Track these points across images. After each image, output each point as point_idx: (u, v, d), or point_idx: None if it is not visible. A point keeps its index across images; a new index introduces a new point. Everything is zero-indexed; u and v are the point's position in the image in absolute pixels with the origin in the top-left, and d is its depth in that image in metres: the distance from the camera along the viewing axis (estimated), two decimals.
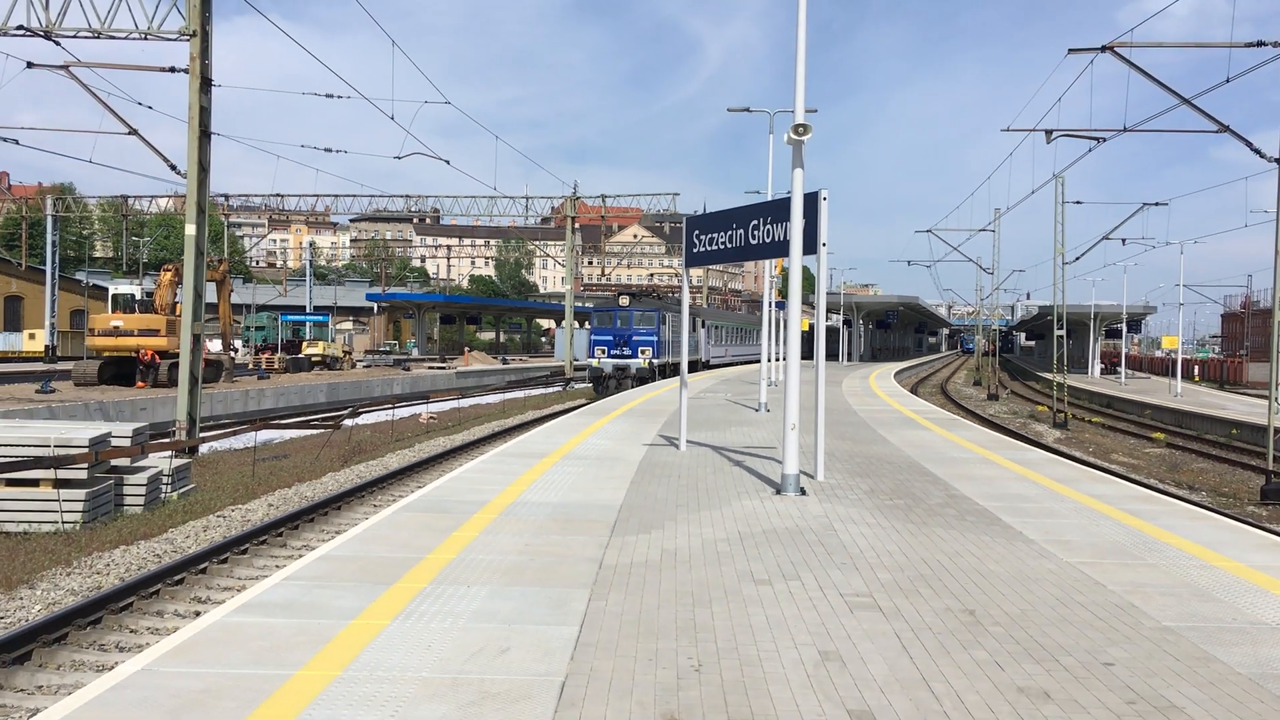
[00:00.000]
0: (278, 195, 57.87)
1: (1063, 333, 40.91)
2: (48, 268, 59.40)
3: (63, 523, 13.10)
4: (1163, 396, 44.14)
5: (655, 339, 39.25)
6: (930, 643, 5.63)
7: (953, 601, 6.49)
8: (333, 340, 60.02)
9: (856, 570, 7.30)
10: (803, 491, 10.62)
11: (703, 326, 49.11)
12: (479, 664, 5.16)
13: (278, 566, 11.91)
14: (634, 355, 38.65)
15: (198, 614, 9.92)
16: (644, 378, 38.02)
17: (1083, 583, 7.05)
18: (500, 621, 5.89)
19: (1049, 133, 24.99)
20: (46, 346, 59.51)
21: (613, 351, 38.71)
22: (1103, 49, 21.55)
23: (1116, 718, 4.59)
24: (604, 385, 38.61)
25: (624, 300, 40.48)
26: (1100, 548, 8.21)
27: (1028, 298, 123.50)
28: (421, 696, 4.71)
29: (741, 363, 58.32)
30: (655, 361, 38.80)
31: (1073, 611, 6.32)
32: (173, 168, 21.01)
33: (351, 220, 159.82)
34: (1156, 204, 43.73)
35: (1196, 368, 77.20)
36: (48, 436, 13.44)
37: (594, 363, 39.21)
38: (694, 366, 45.40)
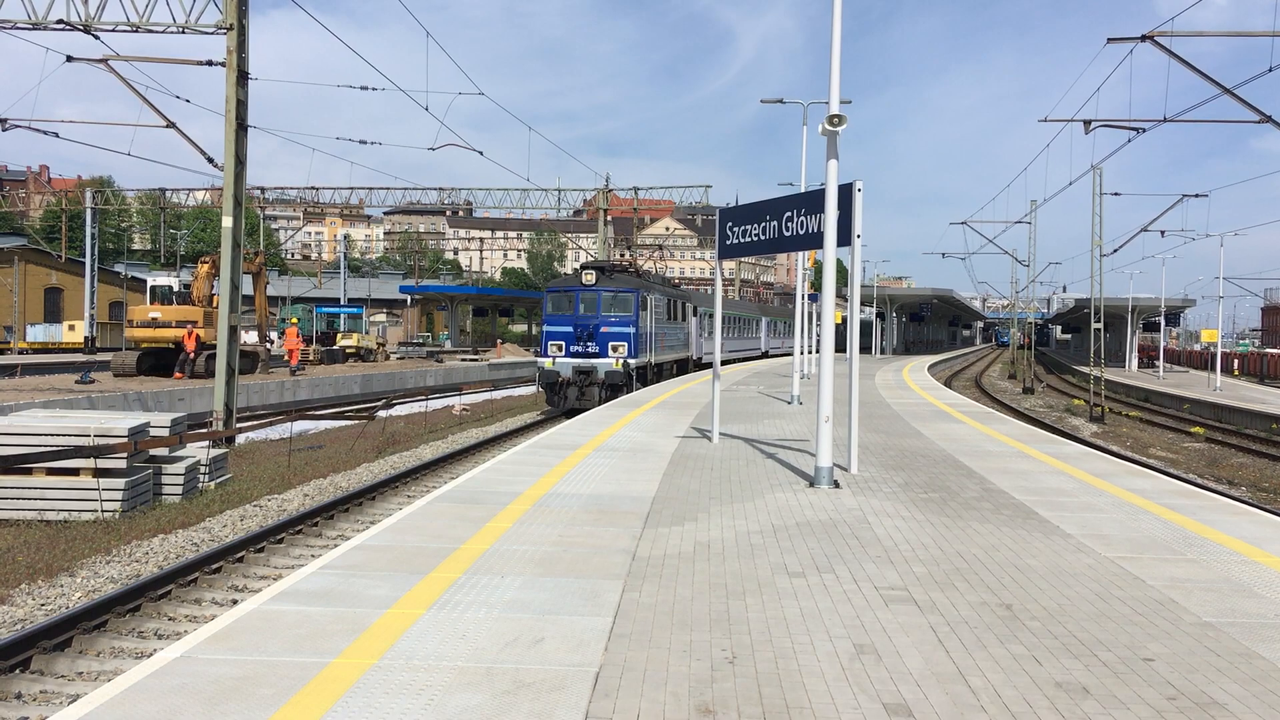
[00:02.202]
0: (313, 188, 58.27)
1: (1100, 326, 40.48)
2: (87, 260, 60.11)
3: (102, 511, 13.27)
4: (1202, 390, 43.57)
5: (632, 330, 28.57)
6: (967, 637, 5.59)
7: (989, 595, 6.44)
8: (366, 332, 60.37)
9: (891, 563, 7.25)
10: (836, 484, 10.56)
11: (694, 315, 40.11)
12: (513, 654, 5.18)
13: (313, 556, 12.01)
14: (602, 353, 28.27)
15: (235, 602, 10.03)
16: (616, 384, 27.87)
17: (1121, 577, 6.97)
18: (534, 612, 5.91)
19: (1087, 123, 24.69)
20: (86, 338, 60.27)
21: (573, 348, 28.33)
22: (1142, 38, 21.25)
23: (1157, 714, 4.54)
24: (560, 395, 28.26)
25: (588, 277, 28.99)
26: (1139, 542, 8.11)
27: (1064, 290, 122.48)
28: (457, 685, 4.73)
29: (740, 358, 50.67)
30: (632, 362, 28.28)
31: (1111, 606, 6.25)
32: (210, 160, 21.20)
33: (385, 213, 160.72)
34: (1196, 195, 43.11)
35: (1236, 361, 76.11)
36: (88, 426, 13.61)
37: (546, 364, 28.25)
38: (682, 367, 37.27)
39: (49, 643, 8.38)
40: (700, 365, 40.97)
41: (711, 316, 42.32)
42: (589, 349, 28.34)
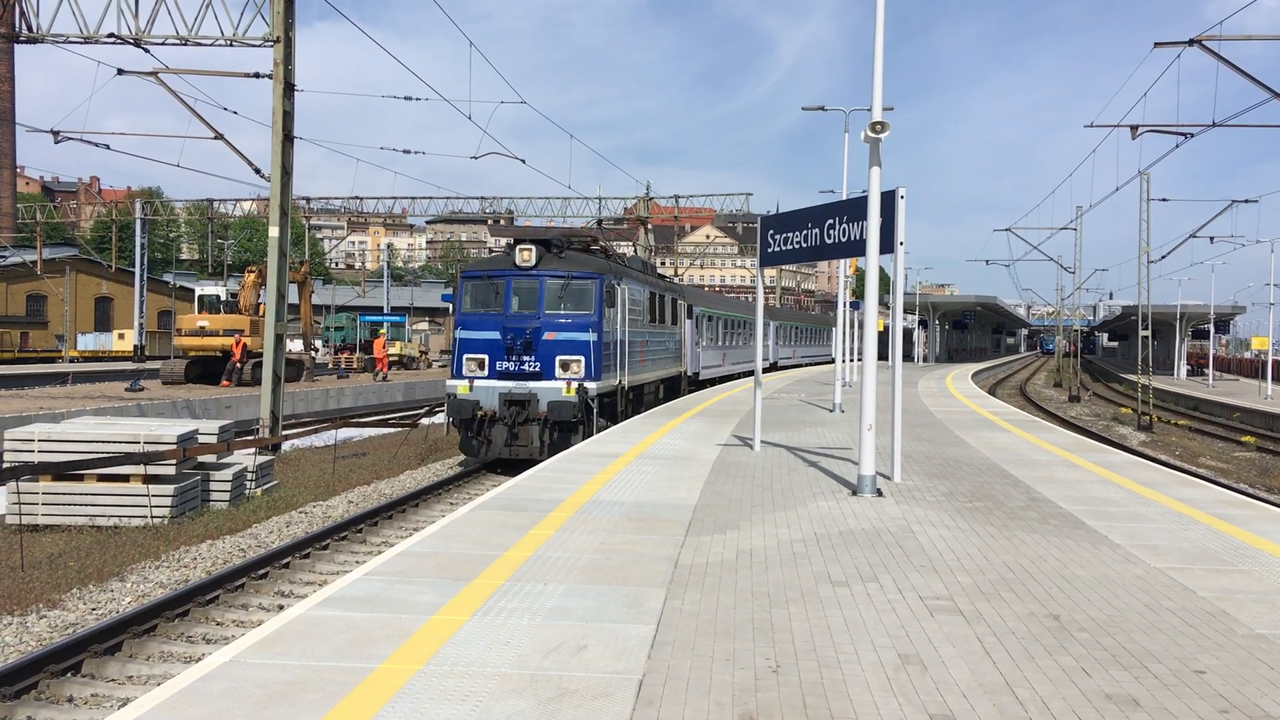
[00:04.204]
0: (356, 198, 58.92)
1: (1147, 333, 39.92)
2: (136, 269, 61.08)
3: (152, 517, 13.47)
4: (1252, 399, 42.81)
5: (592, 338, 19.07)
6: (1014, 647, 5.53)
7: (1036, 606, 6.36)
8: (409, 340, 60.85)
9: (936, 573, 7.19)
10: (879, 493, 10.50)
11: (689, 318, 30.81)
12: (557, 661, 5.19)
13: (358, 562, 12.11)
14: (546, 373, 18.80)
15: (282, 607, 10.13)
16: (567, 423, 18.41)
17: (1171, 588, 6.86)
18: (577, 619, 5.92)
19: (1134, 128, 24.42)
20: (135, 346, 61.22)
21: (500, 365, 18.80)
22: (1190, 42, 21.01)
23: None
24: (482, 439, 18.66)
25: (525, 254, 19.26)
26: (1189, 553, 7.99)
27: (1110, 297, 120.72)
28: (501, 692, 4.75)
29: (742, 373, 39.78)
30: (593, 386, 18.71)
31: (1161, 618, 6.16)
32: (257, 171, 21.48)
33: (428, 222, 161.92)
34: (1246, 201, 42.52)
35: None
36: (138, 433, 13.83)
37: (459, 389, 18.88)
38: (672, 388, 28.17)
39: (100, 646, 8.51)
40: (698, 383, 32.13)
41: (711, 319, 34.59)
42: (525, 367, 18.64)
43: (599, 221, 25.61)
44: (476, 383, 18.78)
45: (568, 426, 18.48)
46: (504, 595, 6.41)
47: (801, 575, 7.07)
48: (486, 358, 18.88)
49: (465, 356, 19.02)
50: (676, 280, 30.94)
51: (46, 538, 12.81)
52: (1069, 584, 6.94)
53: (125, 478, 13.53)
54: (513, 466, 18.91)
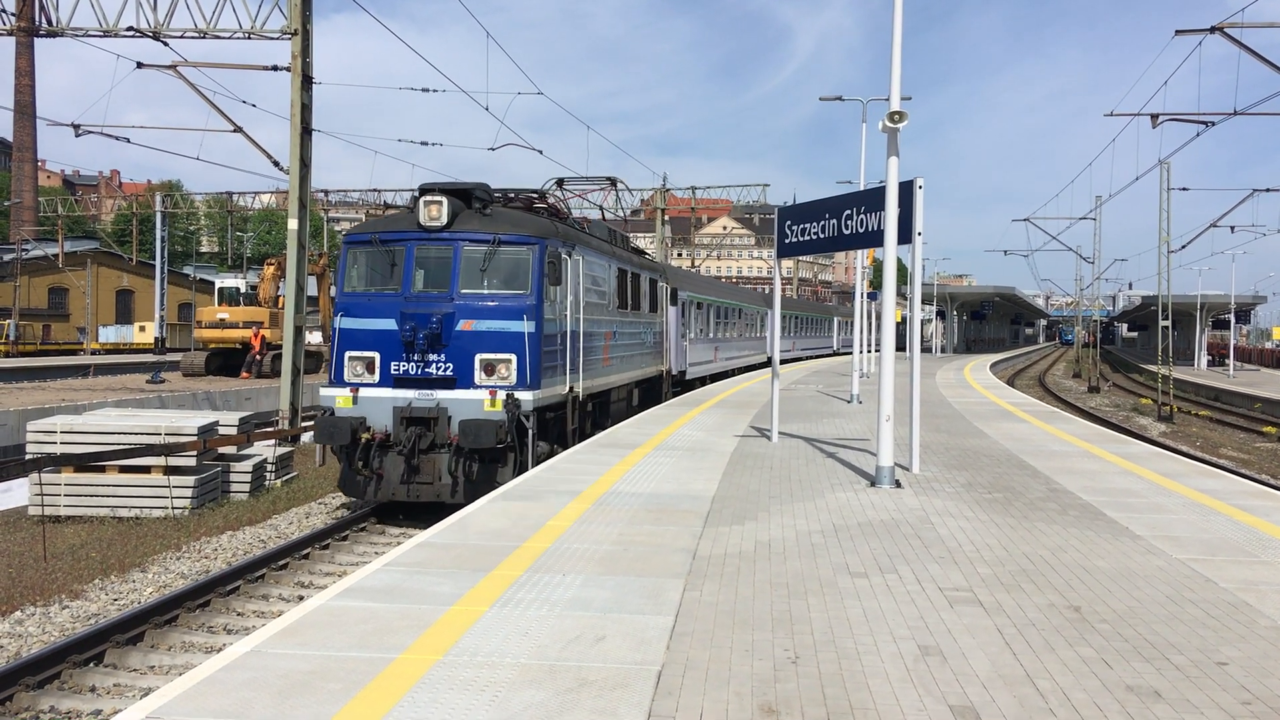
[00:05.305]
0: (375, 190, 58.97)
1: (1167, 323, 39.63)
2: (157, 262, 61.44)
3: (173, 508, 13.57)
4: (1274, 389, 42.46)
5: (528, 328, 13.63)
6: (1034, 639, 5.51)
7: (1056, 597, 6.34)
8: None
9: (955, 564, 7.17)
10: (898, 484, 10.47)
11: (673, 304, 25.64)
12: (576, 651, 5.20)
13: (377, 553, 12.17)
14: (461, 379, 13.46)
15: (302, 598, 10.19)
16: (488, 450, 13.04)
17: (1193, 580, 6.82)
18: (596, 610, 5.93)
19: (1155, 117, 24.23)
20: (156, 339, 61.61)
21: (396, 367, 13.56)
22: (1211, 30, 20.82)
23: (1232, 719, 4.44)
24: (368, 472, 13.28)
25: (433, 210, 13.69)
26: (1211, 544, 7.94)
27: (1130, 287, 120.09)
28: (520, 682, 4.76)
29: (737, 370, 35.56)
30: (529, 397, 13.35)
31: (1183, 609, 6.12)
32: (275, 164, 21.55)
33: None
34: (1267, 190, 42.20)
35: None
36: (159, 425, 13.93)
37: (338, 400, 13.55)
38: (651, 392, 23.05)
39: (122, 637, 8.59)
40: (686, 384, 27.33)
41: (701, 306, 29.34)
42: (432, 370, 13.39)
43: (560, 181, 19.99)
44: (363, 392, 13.42)
45: (490, 455, 13.10)
46: (522, 586, 6.43)
47: (820, 566, 7.06)
48: (377, 357, 13.48)
49: (347, 355, 13.62)
50: (650, 257, 24.37)
51: (69, 529, 12.92)
52: (1090, 575, 6.90)
53: (147, 469, 13.63)
54: (421, 514, 13.89)
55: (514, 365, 13.38)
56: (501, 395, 13.09)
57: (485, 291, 13.58)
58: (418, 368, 13.38)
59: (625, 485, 10.30)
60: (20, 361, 47.75)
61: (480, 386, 13.29)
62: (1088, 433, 16.38)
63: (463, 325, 13.39)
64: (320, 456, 18.88)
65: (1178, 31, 21.57)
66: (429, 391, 13.33)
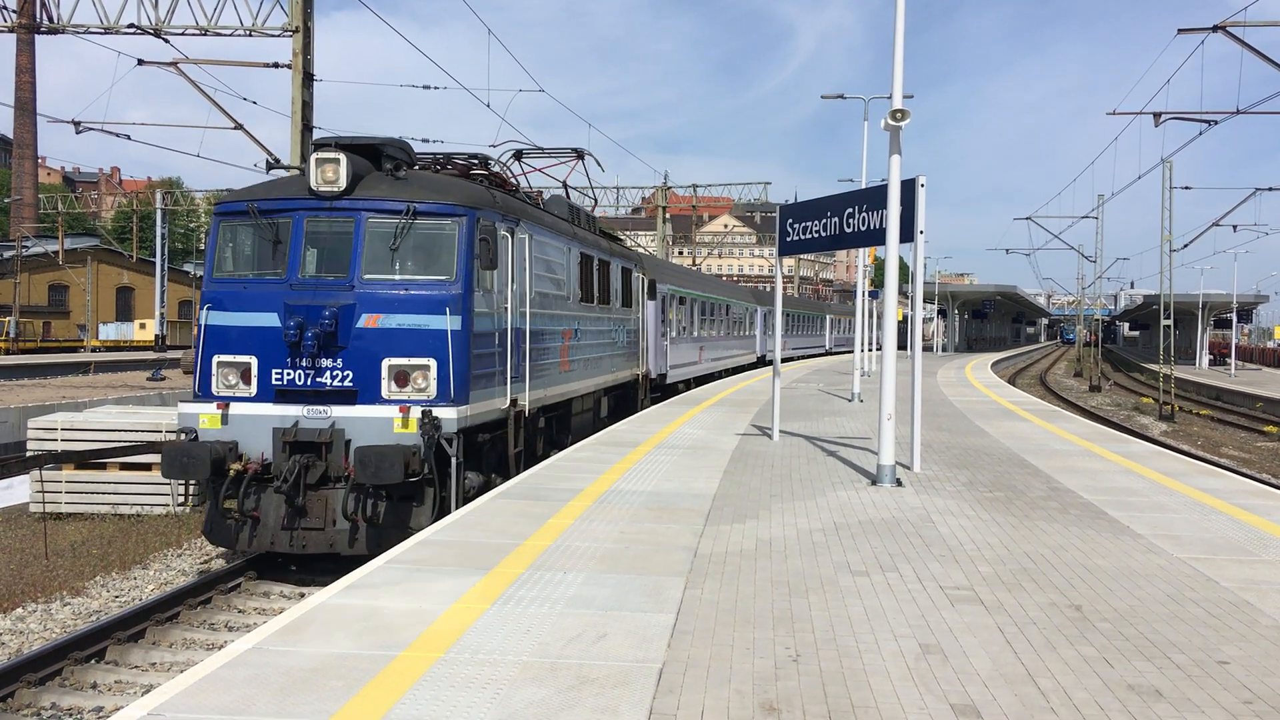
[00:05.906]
0: None
1: (1169, 322, 39.64)
2: (157, 259, 61.51)
3: (174, 505, 13.57)
4: (1275, 389, 42.46)
5: (452, 324, 10.44)
6: (1035, 637, 5.51)
7: (1058, 596, 6.34)
8: None
9: (956, 563, 7.17)
10: (899, 483, 10.47)
11: (652, 298, 22.65)
12: (577, 649, 5.20)
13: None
14: (365, 391, 10.30)
15: (303, 595, 10.19)
16: (395, 483, 9.66)
17: (1194, 579, 6.82)
18: (597, 608, 5.93)
19: (1157, 115, 24.23)
20: (156, 336, 61.66)
21: (276, 376, 10.30)
22: (1214, 29, 20.82)
23: (1233, 718, 4.44)
24: (239, 510, 10.11)
25: (329, 171, 10.41)
26: (1212, 543, 7.94)
27: (1131, 286, 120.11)
28: (521, 679, 4.77)
29: (724, 372, 33.02)
30: (451, 414, 10.17)
31: (1184, 608, 6.12)
32: (276, 161, 21.51)
33: None
34: (1270, 189, 42.22)
35: None
36: (159, 422, 13.94)
37: (202, 419, 10.26)
38: (624, 401, 20.21)
39: (123, 634, 8.60)
40: (669, 388, 24.57)
41: (684, 301, 26.51)
42: (326, 379, 10.38)
43: (518, 154, 17.41)
44: (235, 408, 10.34)
45: (401, 492, 10.20)
46: (524, 584, 6.43)
47: (821, 565, 7.06)
48: (253, 362, 10.46)
49: (216, 360, 10.56)
50: (625, 243, 21.80)
51: (70, 526, 12.93)
52: (1091, 574, 6.91)
53: (147, 466, 13.63)
54: (314, 566, 11.05)
55: (433, 373, 10.37)
56: (416, 413, 10.04)
57: (396, 278, 10.54)
58: (307, 377, 10.29)
59: (626, 483, 10.30)
60: (20, 359, 47.79)
61: (389, 401, 10.27)
62: (1089, 432, 16.38)
63: (366, 321, 10.35)
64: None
65: (1180, 30, 21.59)
66: (321, 407, 10.22)
